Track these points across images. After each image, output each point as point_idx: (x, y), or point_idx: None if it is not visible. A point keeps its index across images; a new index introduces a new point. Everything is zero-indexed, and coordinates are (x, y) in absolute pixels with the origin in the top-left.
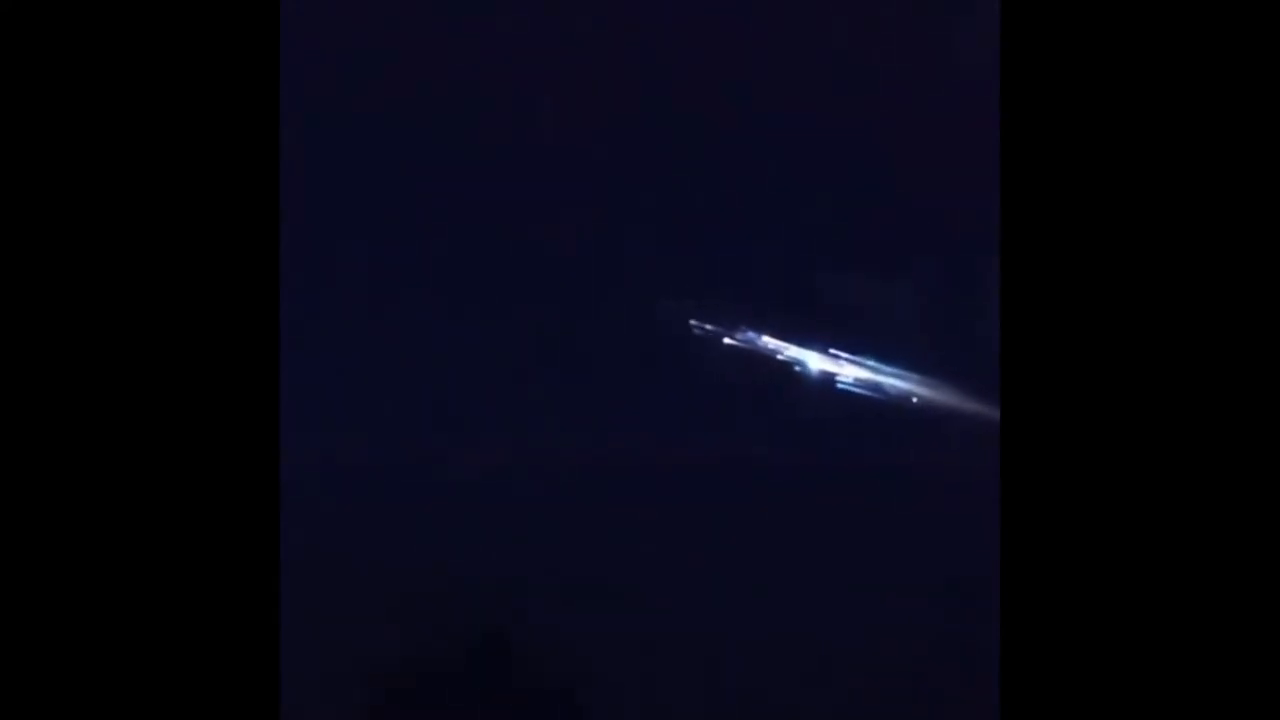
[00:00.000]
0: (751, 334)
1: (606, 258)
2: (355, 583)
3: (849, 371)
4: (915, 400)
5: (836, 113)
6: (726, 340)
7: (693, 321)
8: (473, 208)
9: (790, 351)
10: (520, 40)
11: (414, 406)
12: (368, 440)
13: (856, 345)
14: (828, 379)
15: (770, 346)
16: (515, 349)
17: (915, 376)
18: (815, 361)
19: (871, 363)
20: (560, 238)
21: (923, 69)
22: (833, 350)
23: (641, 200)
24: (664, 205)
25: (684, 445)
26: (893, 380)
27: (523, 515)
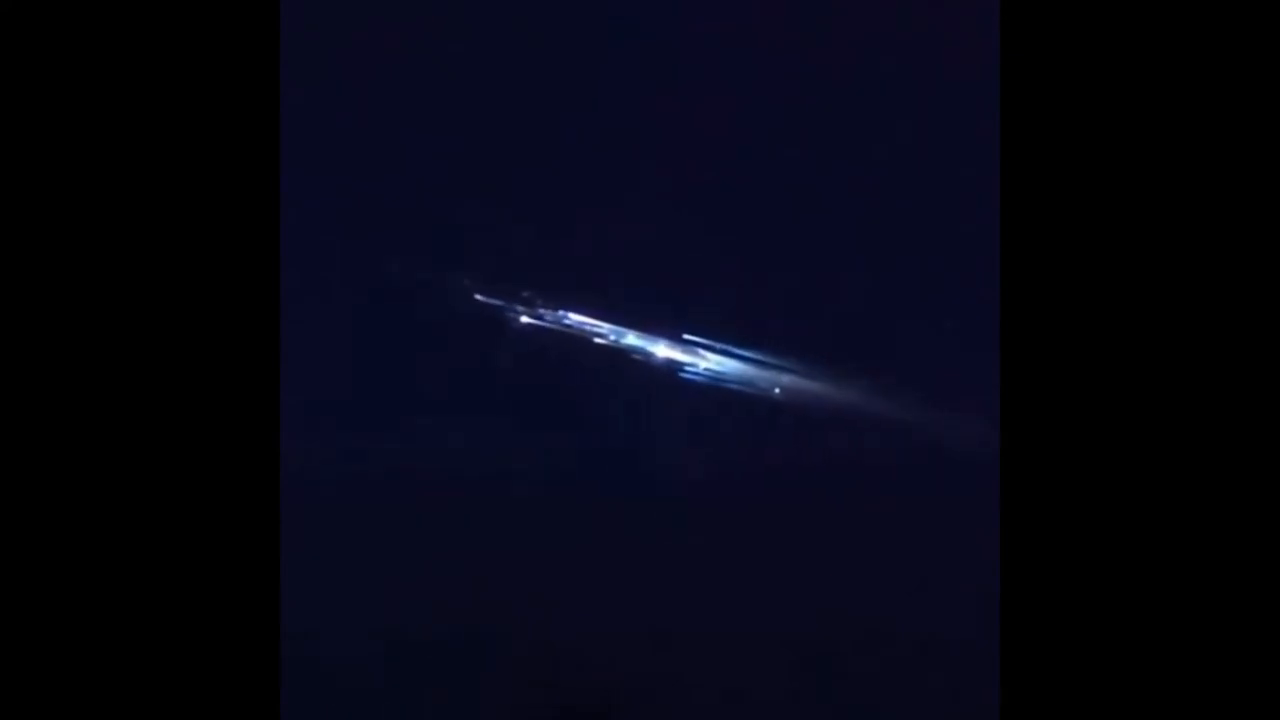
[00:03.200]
0: (562, 313)
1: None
2: (354, 581)
3: (700, 360)
4: (778, 391)
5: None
6: (526, 319)
7: (479, 297)
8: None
9: (629, 339)
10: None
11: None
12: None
13: (710, 330)
14: (675, 368)
15: (590, 328)
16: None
17: (777, 365)
18: (662, 349)
19: (727, 350)
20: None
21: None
22: (686, 336)
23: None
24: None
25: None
26: (751, 370)
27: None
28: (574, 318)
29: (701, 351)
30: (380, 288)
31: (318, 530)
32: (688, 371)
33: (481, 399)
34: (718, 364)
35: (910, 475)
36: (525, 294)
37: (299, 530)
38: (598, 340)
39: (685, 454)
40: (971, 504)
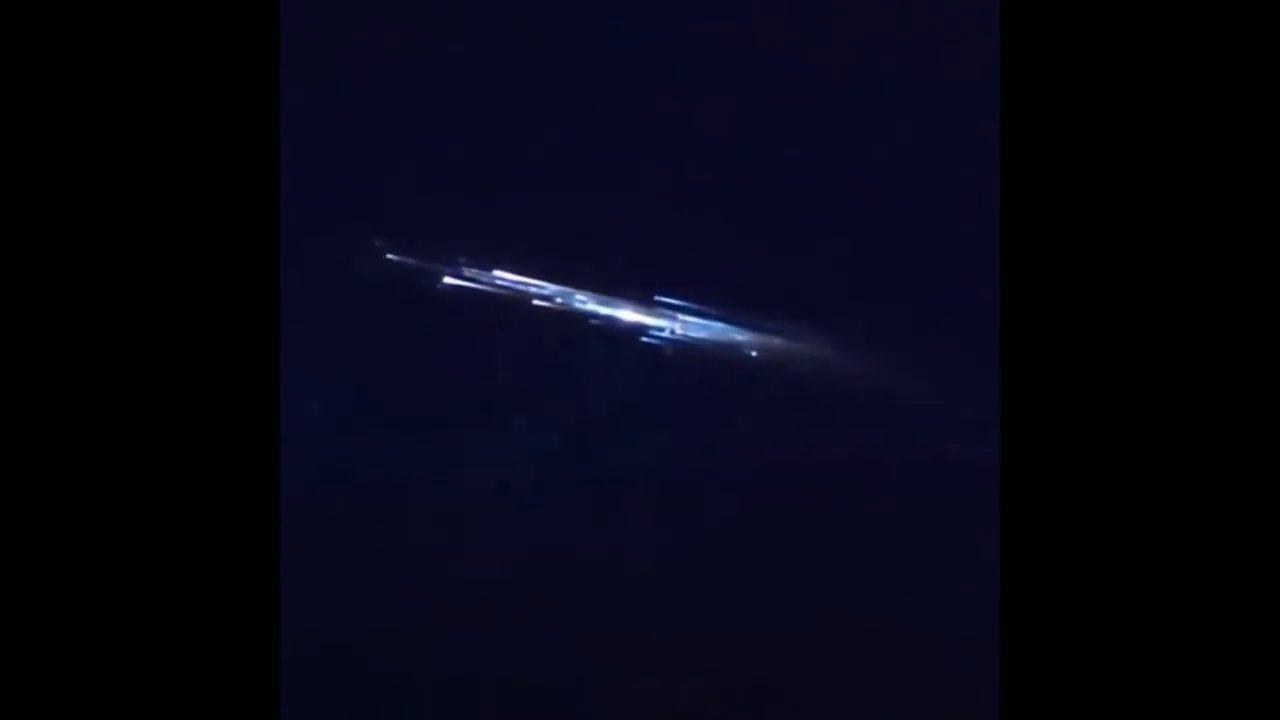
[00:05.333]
0: (497, 273)
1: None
2: (354, 582)
3: (666, 322)
4: (754, 355)
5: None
6: (451, 279)
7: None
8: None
9: (581, 301)
10: None
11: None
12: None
13: (673, 289)
14: (638, 333)
15: (529, 289)
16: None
17: (745, 326)
18: (623, 313)
19: (696, 309)
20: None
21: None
22: (658, 298)
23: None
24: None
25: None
26: (722, 332)
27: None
28: (580, 297)
29: (668, 314)
30: (374, 283)
31: (318, 530)
32: (655, 336)
33: (479, 392)
34: (687, 327)
35: (909, 473)
36: (519, 279)
37: (299, 530)
38: (591, 320)
39: (700, 438)
40: (972, 503)
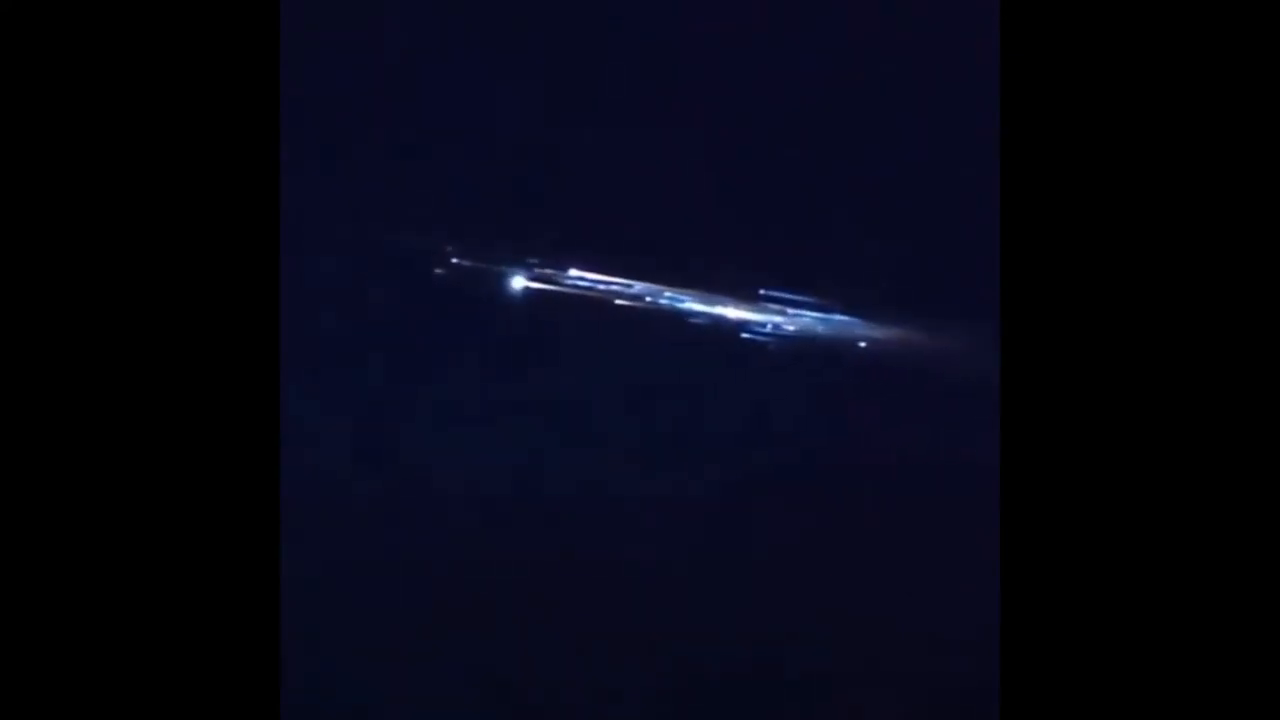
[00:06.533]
0: (566, 271)
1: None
2: (353, 588)
3: (771, 318)
4: (863, 345)
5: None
6: (525, 282)
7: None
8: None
9: (667, 297)
10: None
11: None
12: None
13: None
14: (738, 328)
15: (611, 288)
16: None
17: (848, 319)
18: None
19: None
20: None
21: None
22: (764, 291)
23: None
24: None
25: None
26: (829, 325)
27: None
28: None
29: (774, 309)
30: (388, 278)
31: (318, 530)
32: (757, 331)
33: (481, 390)
34: (792, 322)
35: (909, 473)
36: (568, 270)
37: (299, 530)
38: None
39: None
40: (972, 503)
